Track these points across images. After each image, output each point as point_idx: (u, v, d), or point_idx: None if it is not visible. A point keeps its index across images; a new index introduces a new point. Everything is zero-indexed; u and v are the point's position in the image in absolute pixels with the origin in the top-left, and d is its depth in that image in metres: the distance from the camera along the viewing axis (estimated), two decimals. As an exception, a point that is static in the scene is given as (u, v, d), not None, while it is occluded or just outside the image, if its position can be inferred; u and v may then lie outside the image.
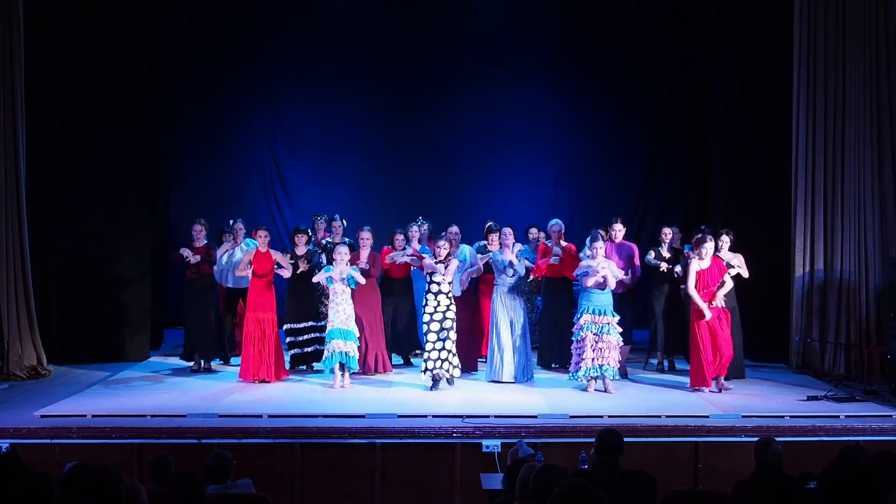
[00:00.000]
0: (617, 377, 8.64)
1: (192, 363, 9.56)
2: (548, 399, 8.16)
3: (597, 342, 8.43)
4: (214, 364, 9.64)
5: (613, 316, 8.52)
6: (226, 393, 8.47)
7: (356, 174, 12.53)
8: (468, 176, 12.47)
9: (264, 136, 12.60)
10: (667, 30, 12.35)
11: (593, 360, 8.41)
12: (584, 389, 8.52)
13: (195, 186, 12.48)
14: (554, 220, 9.66)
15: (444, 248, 8.65)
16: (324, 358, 8.74)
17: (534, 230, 10.32)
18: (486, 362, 9.21)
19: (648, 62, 12.38)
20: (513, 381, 8.85)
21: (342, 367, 8.68)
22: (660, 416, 7.50)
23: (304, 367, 9.55)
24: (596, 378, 8.49)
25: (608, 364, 8.44)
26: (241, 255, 9.47)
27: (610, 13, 12.30)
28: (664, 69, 12.42)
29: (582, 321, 8.48)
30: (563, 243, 9.49)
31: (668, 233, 9.60)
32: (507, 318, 8.91)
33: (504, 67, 12.40)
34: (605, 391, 8.48)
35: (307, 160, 12.60)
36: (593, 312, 8.46)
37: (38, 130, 10.12)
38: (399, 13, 12.41)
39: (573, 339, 8.58)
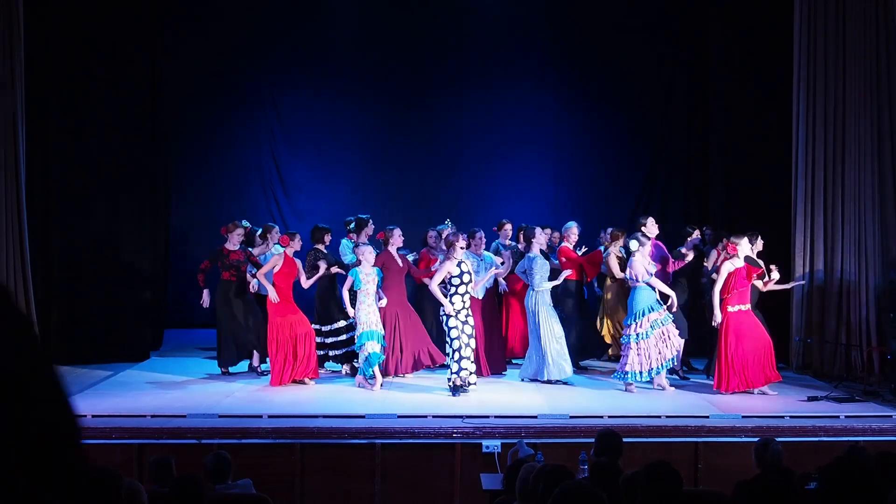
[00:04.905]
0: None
1: (224, 368, 9.33)
2: (548, 399, 8.16)
3: (661, 336, 8.44)
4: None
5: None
6: (226, 393, 8.47)
7: (356, 174, 12.53)
8: (468, 176, 12.47)
9: (264, 136, 12.60)
10: (667, 30, 12.35)
11: (665, 355, 8.46)
12: (659, 386, 8.55)
13: (196, 186, 12.48)
14: (571, 223, 9.68)
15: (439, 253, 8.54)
16: (362, 362, 8.57)
17: (548, 230, 10.20)
18: (518, 364, 9.24)
19: (648, 62, 12.38)
20: (567, 378, 8.83)
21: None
22: (660, 417, 7.50)
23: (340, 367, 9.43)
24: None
25: (679, 350, 8.54)
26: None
27: (610, 13, 12.30)
28: (664, 69, 12.42)
29: (648, 322, 8.41)
30: (582, 249, 9.62)
31: (695, 234, 9.66)
32: (548, 316, 8.87)
33: (504, 67, 12.40)
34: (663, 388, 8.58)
35: (307, 160, 12.60)
36: (653, 310, 8.47)
37: (39, 131, 10.12)
38: (399, 13, 12.40)
39: (636, 340, 8.45)
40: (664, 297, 8.91)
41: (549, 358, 8.81)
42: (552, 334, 8.83)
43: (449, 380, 8.36)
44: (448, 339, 8.39)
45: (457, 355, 8.30)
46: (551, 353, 8.80)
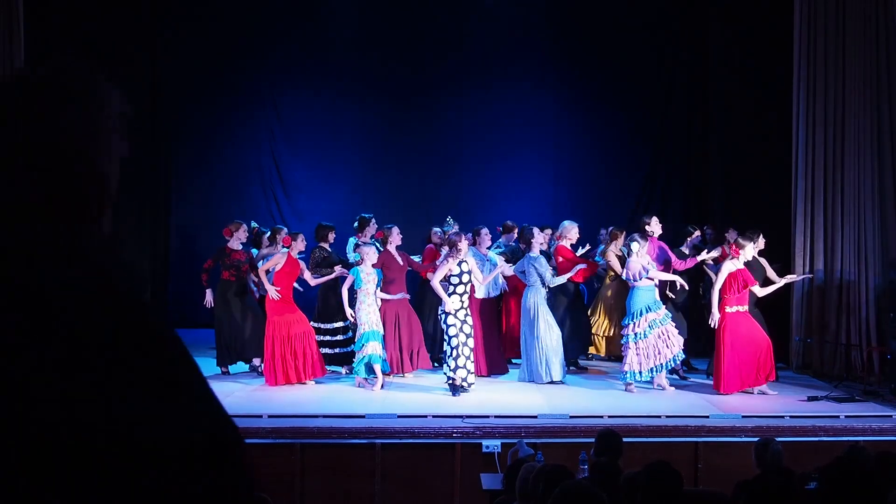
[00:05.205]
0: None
1: (223, 368, 9.34)
2: (548, 399, 8.16)
3: (660, 336, 8.42)
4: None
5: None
6: (226, 393, 8.46)
7: (356, 174, 12.53)
8: (468, 176, 12.48)
9: (264, 136, 12.60)
10: (667, 30, 12.36)
11: (665, 354, 8.43)
12: (659, 386, 8.55)
13: (196, 187, 12.48)
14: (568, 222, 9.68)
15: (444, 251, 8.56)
16: (360, 362, 8.54)
17: (547, 231, 10.20)
18: (518, 364, 9.24)
19: (648, 62, 12.39)
20: (561, 379, 8.84)
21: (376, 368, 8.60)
22: (660, 417, 7.50)
23: (341, 367, 9.41)
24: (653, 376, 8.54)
25: (680, 349, 8.50)
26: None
27: (610, 13, 12.31)
28: (664, 69, 12.42)
29: (646, 321, 8.41)
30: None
31: (695, 234, 9.69)
32: (546, 316, 8.89)
33: (504, 67, 12.41)
34: (664, 388, 8.54)
35: (307, 160, 12.60)
36: (651, 310, 8.46)
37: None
38: (399, 13, 12.41)
39: (634, 339, 8.44)
40: (664, 297, 8.92)
41: (542, 359, 8.82)
42: (550, 334, 8.83)
43: (449, 379, 8.36)
44: (446, 338, 8.39)
45: (455, 353, 8.31)
46: (545, 354, 8.81)
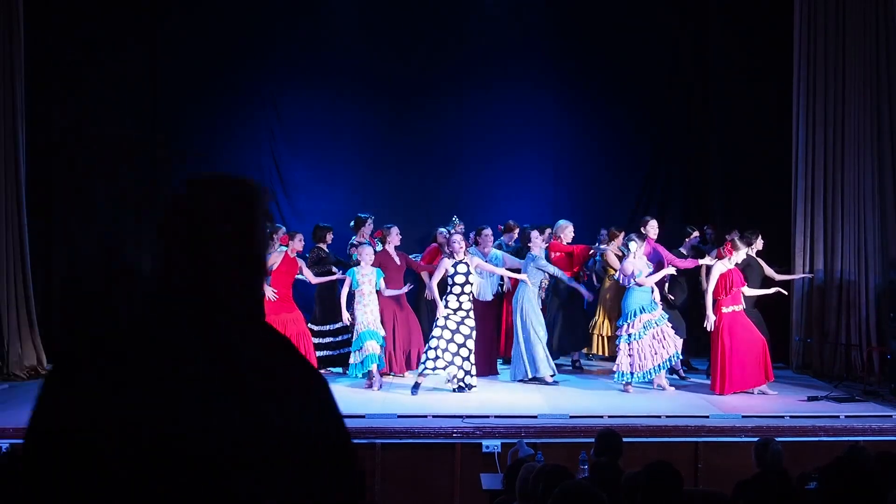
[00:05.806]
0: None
1: None
2: (548, 399, 8.17)
3: (655, 336, 8.41)
4: None
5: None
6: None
7: (356, 174, 12.51)
8: (468, 175, 12.46)
9: (264, 136, 12.57)
10: (667, 30, 12.35)
11: (661, 355, 8.40)
12: (659, 387, 8.55)
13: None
14: (563, 221, 9.70)
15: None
16: (357, 361, 8.54)
17: (548, 231, 10.22)
18: (508, 364, 9.23)
19: (648, 62, 12.37)
20: (551, 376, 8.87)
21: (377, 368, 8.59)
22: (660, 417, 7.51)
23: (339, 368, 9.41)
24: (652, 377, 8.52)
25: (677, 349, 8.48)
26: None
27: (610, 13, 12.30)
28: (664, 68, 12.41)
29: (640, 322, 8.39)
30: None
31: (694, 235, 9.71)
32: (536, 315, 8.90)
33: (505, 67, 12.39)
34: (664, 388, 8.53)
35: (307, 160, 12.58)
36: (646, 311, 8.45)
37: (39, 131, 10.13)
38: (400, 13, 12.40)
39: (627, 341, 8.44)
40: (662, 297, 8.91)
41: (530, 357, 8.83)
42: (539, 332, 8.84)
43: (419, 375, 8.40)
44: (433, 335, 8.43)
45: (435, 353, 8.32)
46: (533, 352, 8.82)
